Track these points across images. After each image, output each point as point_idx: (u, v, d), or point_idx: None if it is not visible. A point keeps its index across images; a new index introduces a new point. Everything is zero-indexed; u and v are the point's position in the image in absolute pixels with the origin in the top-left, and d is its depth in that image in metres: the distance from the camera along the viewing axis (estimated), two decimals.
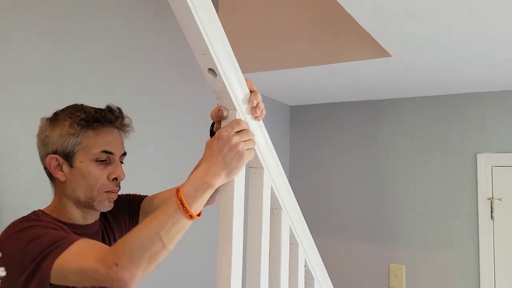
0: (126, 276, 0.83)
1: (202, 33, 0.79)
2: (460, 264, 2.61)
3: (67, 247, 0.89)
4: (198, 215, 0.88)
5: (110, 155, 1.08)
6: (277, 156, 1.05)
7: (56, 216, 1.07)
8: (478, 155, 2.61)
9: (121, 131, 1.13)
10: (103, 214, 1.19)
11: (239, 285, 0.90)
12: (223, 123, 0.92)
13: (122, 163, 1.14)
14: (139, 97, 1.88)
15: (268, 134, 1.02)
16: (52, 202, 1.11)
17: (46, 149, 1.06)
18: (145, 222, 0.87)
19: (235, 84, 0.89)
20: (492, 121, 2.61)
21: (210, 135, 1.05)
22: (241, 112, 0.92)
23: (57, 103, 1.14)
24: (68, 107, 1.09)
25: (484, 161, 2.60)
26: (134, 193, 1.31)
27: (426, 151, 2.76)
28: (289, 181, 1.13)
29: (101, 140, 1.06)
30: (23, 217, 1.01)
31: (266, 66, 2.27)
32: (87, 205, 1.07)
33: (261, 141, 0.99)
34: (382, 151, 2.90)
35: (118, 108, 1.12)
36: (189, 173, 1.00)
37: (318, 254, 1.27)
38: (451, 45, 1.82)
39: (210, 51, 0.82)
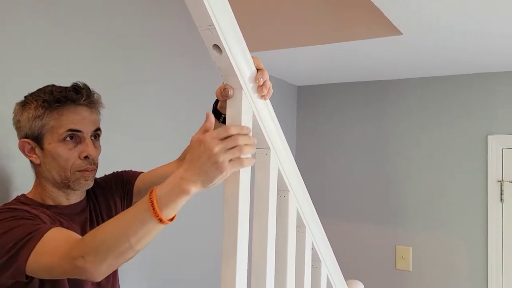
0: (91, 268, 0.83)
1: (207, 7, 0.75)
2: (468, 246, 2.59)
3: (39, 239, 0.90)
4: (172, 219, 0.82)
5: (77, 133, 1.07)
6: (284, 137, 1.02)
7: (40, 200, 1.09)
8: (489, 137, 2.56)
9: (91, 108, 1.11)
10: (92, 192, 1.19)
11: (245, 268, 0.88)
12: (228, 102, 0.89)
13: (97, 140, 1.13)
14: (141, 82, 1.85)
15: (275, 114, 0.99)
16: (33, 185, 1.12)
17: (19, 134, 1.09)
18: (116, 219, 0.87)
19: (241, 61, 0.85)
20: (503, 102, 2.55)
21: (213, 112, 1.02)
22: (247, 90, 0.88)
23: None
24: (38, 90, 1.09)
25: (495, 142, 2.55)
26: (130, 170, 1.29)
27: (435, 132, 2.72)
28: (295, 162, 1.10)
29: (65, 119, 1.05)
30: (2, 206, 1.03)
31: (273, 44, 2.22)
32: (64, 185, 1.08)
33: (268, 121, 0.96)
34: (390, 132, 2.85)
35: (84, 85, 1.10)
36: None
37: (325, 237, 1.25)
38: (463, 23, 1.76)
39: (215, 26, 0.78)
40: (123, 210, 1.23)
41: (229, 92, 0.87)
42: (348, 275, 2.55)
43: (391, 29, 1.87)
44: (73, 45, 1.55)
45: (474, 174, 2.59)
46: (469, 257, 2.58)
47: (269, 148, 0.98)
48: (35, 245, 0.89)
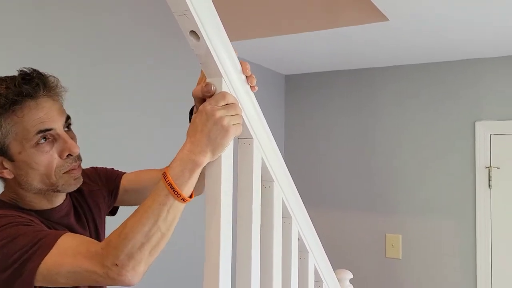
0: (129, 275, 0.77)
1: None
2: (457, 233, 2.60)
3: (50, 248, 0.79)
4: (190, 197, 0.82)
5: (49, 132, 0.90)
6: (267, 126, 1.00)
7: (20, 204, 0.95)
8: (476, 123, 2.56)
9: (52, 97, 0.93)
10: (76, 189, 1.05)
11: (229, 261, 0.85)
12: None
13: (70, 129, 0.97)
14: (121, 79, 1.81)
15: (262, 104, 0.96)
16: (4, 192, 0.96)
17: None
18: (138, 215, 0.79)
19: (220, 47, 0.82)
20: (491, 88, 2.55)
21: (190, 121, 0.97)
22: (227, 78, 0.85)
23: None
24: None
25: (483, 129, 2.55)
26: (111, 168, 1.21)
27: (423, 119, 2.71)
28: (284, 151, 1.07)
29: (29, 121, 0.88)
30: None
31: (260, 32, 2.19)
32: (51, 191, 0.94)
33: (250, 110, 0.93)
34: (378, 120, 2.84)
35: (33, 71, 0.91)
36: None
37: (312, 227, 1.23)
38: (450, 9, 1.74)
39: (192, 11, 0.75)
40: (111, 207, 1.19)
41: (211, 88, 0.83)
42: (338, 264, 2.55)
43: (378, 15, 1.85)
44: (55, 39, 1.51)
45: (462, 160, 2.60)
46: (458, 243, 2.59)
47: (252, 138, 0.95)
48: (45, 255, 0.79)
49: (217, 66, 0.83)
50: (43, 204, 0.96)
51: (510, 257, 2.48)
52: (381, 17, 1.84)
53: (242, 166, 0.96)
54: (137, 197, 1.17)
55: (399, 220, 2.75)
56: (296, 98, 3.12)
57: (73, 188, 0.97)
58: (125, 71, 1.84)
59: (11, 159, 0.91)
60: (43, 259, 0.78)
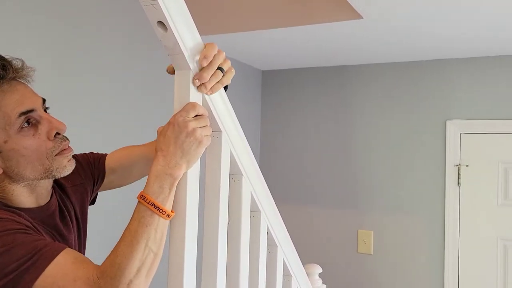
0: None
1: None
2: (426, 229, 2.65)
3: (49, 262, 0.75)
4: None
5: (31, 115, 0.85)
6: (237, 119, 1.00)
7: (8, 202, 0.88)
8: (447, 122, 2.62)
9: (23, 80, 0.88)
10: (57, 186, 1.01)
11: (194, 255, 0.85)
12: (176, 84, 0.85)
13: (46, 112, 0.91)
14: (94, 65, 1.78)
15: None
16: None
17: None
18: (127, 240, 0.77)
19: (188, 39, 0.81)
20: (462, 88, 2.60)
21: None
22: (196, 71, 0.85)
23: None
24: None
25: (454, 128, 2.61)
26: (90, 152, 1.15)
27: (395, 117, 2.75)
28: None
29: (9, 103, 0.82)
30: None
31: (234, 27, 2.18)
32: (46, 177, 0.89)
33: (218, 103, 0.93)
34: (351, 117, 2.87)
35: None
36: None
37: (282, 221, 1.24)
38: (423, 8, 1.77)
39: (159, 2, 0.74)
40: (94, 194, 1.14)
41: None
42: (310, 259, 2.58)
43: (352, 13, 1.86)
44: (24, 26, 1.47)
45: (433, 158, 2.65)
46: (428, 240, 2.65)
47: (221, 131, 0.95)
48: (43, 269, 0.74)
49: (185, 58, 0.82)
50: (31, 200, 0.91)
51: (476, 252, 2.55)
52: (355, 15, 1.86)
53: (210, 159, 0.96)
54: (126, 175, 1.16)
55: (371, 217, 2.80)
56: (272, 94, 3.13)
57: (68, 170, 0.91)
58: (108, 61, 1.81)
59: None
60: (41, 273, 0.74)
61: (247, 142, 1.05)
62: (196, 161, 0.84)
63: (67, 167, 0.90)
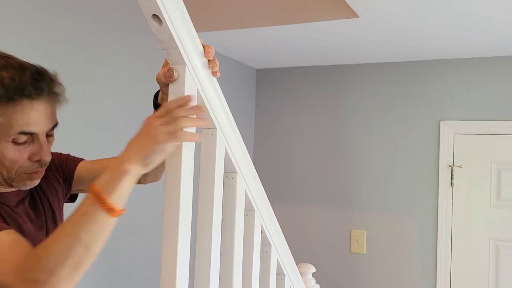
0: None
1: None
2: (419, 229, 2.66)
3: None
4: (122, 210, 0.76)
5: (32, 135, 0.87)
6: (232, 117, 0.98)
7: None
8: (441, 122, 2.62)
9: (50, 102, 0.88)
10: None
11: (187, 254, 0.84)
12: (172, 87, 0.83)
13: (51, 136, 0.94)
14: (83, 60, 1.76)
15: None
16: None
17: None
18: (63, 224, 0.75)
19: (183, 33, 0.80)
20: (456, 89, 2.61)
21: (154, 107, 0.95)
22: (191, 66, 0.83)
23: None
24: None
25: (447, 128, 2.61)
26: (68, 154, 1.15)
27: (389, 117, 2.75)
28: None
29: (17, 119, 0.83)
30: None
31: (230, 24, 2.16)
32: (5, 183, 0.91)
33: (213, 99, 0.91)
34: (345, 117, 2.87)
35: (46, 74, 0.87)
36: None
37: (276, 220, 1.23)
38: (418, 8, 1.77)
39: None
40: (66, 194, 1.14)
41: (174, 73, 0.81)
42: (303, 258, 2.57)
43: (348, 12, 1.86)
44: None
45: (427, 159, 2.65)
46: (420, 239, 2.65)
47: (215, 128, 0.93)
48: None
49: (180, 53, 0.80)
50: (1, 186, 0.92)
51: (468, 253, 2.55)
52: (351, 13, 1.85)
53: (205, 156, 0.94)
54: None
55: (365, 216, 2.79)
56: (267, 92, 3.11)
57: (27, 187, 0.93)
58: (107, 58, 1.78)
59: None
60: None
61: (242, 140, 1.04)
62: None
63: (27, 185, 0.92)
